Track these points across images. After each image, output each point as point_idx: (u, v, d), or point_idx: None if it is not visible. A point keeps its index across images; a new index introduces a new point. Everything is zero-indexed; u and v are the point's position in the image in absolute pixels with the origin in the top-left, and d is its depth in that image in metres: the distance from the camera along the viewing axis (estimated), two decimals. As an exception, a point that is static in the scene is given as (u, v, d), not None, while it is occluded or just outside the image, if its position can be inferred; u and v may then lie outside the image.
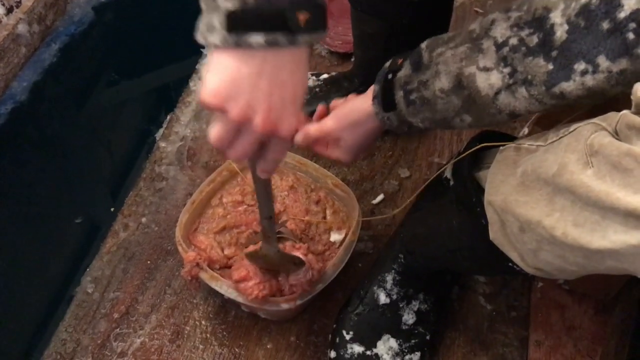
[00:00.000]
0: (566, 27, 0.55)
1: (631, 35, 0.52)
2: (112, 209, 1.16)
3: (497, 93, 0.61)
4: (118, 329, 0.99)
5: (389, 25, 0.96)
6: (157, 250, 1.08)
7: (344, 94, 1.12)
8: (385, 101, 0.73)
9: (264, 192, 0.73)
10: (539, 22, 0.57)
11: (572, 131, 0.58)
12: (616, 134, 0.53)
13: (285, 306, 0.89)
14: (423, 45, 0.70)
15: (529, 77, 0.58)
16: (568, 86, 0.56)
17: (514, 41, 0.59)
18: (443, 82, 0.65)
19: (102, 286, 1.04)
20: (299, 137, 0.82)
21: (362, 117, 0.79)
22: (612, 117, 0.54)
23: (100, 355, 0.97)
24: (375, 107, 0.75)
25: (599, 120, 0.55)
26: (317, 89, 1.16)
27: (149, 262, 1.07)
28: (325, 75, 1.19)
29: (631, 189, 0.49)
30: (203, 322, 1.00)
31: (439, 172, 0.89)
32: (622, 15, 0.52)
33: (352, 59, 1.16)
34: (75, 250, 1.18)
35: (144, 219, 1.12)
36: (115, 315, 1.01)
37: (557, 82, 0.57)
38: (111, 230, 1.11)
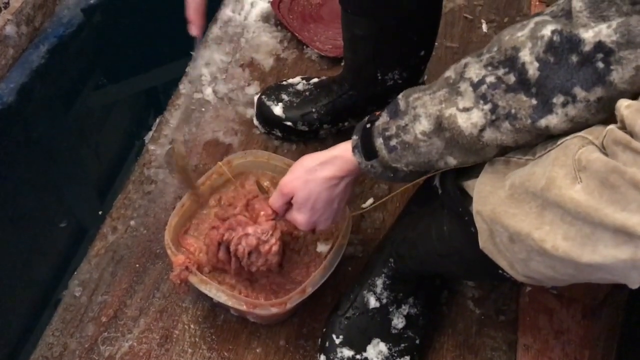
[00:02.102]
0: (536, 64, 0.57)
1: (601, 65, 0.53)
2: (100, 212, 1.15)
3: (482, 130, 0.62)
4: (106, 333, 0.99)
5: (379, 28, 0.97)
6: (146, 253, 1.08)
7: (333, 98, 1.13)
8: (366, 149, 0.74)
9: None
10: (511, 62, 0.59)
11: (559, 144, 0.59)
12: (603, 148, 0.54)
13: (274, 310, 0.89)
14: (399, 95, 0.72)
15: (513, 111, 0.60)
16: (553, 119, 0.58)
17: (491, 79, 0.61)
18: (424, 125, 0.67)
19: (90, 289, 1.03)
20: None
21: (316, 164, 0.79)
22: (599, 131, 0.55)
23: (88, 359, 0.96)
24: (357, 156, 0.76)
25: (585, 133, 0.56)
26: (307, 93, 1.16)
27: (137, 265, 1.06)
28: (315, 80, 1.19)
29: (619, 206, 0.50)
30: (192, 326, 1.00)
31: (428, 176, 0.89)
32: (587, 48, 0.54)
33: (342, 64, 1.16)
34: (62, 254, 1.17)
35: (132, 222, 1.11)
36: (103, 319, 1.00)
37: (543, 116, 0.58)
38: (99, 233, 1.10)
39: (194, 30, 0.79)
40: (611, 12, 0.53)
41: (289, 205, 0.85)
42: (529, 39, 0.58)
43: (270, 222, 0.88)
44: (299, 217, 0.83)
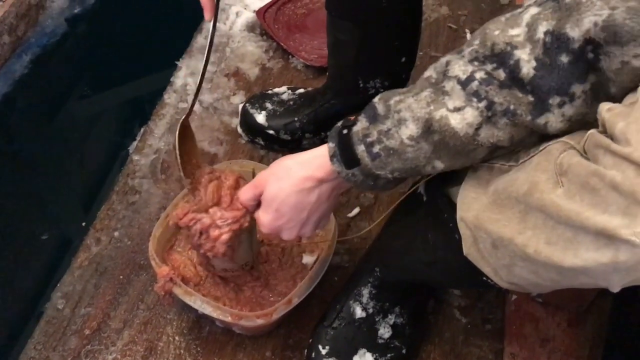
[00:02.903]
0: (534, 63, 0.56)
1: (591, 55, 0.53)
2: (83, 224, 1.14)
3: (478, 128, 0.60)
4: (89, 346, 0.97)
5: (361, 32, 0.98)
6: (130, 264, 1.06)
7: (316, 107, 1.13)
8: (346, 157, 0.69)
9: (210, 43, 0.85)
10: (501, 58, 0.58)
11: (541, 150, 0.59)
12: (584, 153, 0.54)
13: (260, 321, 0.88)
14: (375, 99, 0.68)
15: (512, 107, 0.58)
16: (550, 117, 0.57)
17: (481, 75, 0.59)
18: (411, 129, 0.63)
19: (73, 302, 1.02)
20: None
21: (294, 163, 0.74)
22: (580, 136, 0.55)
23: (71, 373, 0.95)
24: (337, 165, 0.69)
25: (567, 138, 0.57)
26: (291, 102, 1.16)
27: (121, 277, 1.05)
28: (301, 90, 1.20)
29: (600, 209, 0.50)
30: (177, 338, 0.99)
31: (415, 186, 0.89)
32: (576, 45, 0.53)
33: (327, 73, 1.16)
34: (45, 266, 1.15)
35: (116, 233, 1.10)
36: (87, 332, 0.99)
37: (542, 113, 0.57)
38: (83, 244, 1.09)
39: (207, 15, 0.83)
40: None
41: (259, 202, 0.80)
42: (528, 42, 0.56)
43: (235, 211, 0.83)
44: (263, 217, 0.77)
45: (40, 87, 1.39)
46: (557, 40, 0.54)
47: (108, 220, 1.12)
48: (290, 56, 1.35)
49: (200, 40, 1.39)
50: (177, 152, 0.86)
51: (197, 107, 1.28)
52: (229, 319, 0.89)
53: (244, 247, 0.90)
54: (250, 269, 0.95)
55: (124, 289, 1.04)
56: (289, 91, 1.20)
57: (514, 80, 0.57)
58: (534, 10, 0.57)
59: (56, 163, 1.33)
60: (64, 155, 1.36)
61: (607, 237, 0.50)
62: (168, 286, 0.90)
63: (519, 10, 0.59)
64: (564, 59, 0.54)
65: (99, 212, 1.13)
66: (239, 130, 1.22)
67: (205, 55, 0.86)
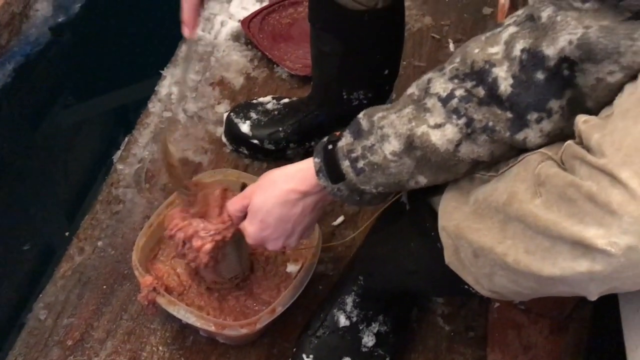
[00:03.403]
0: (511, 81, 0.57)
1: (566, 72, 0.54)
2: (67, 233, 1.13)
3: (458, 145, 0.61)
4: (72, 357, 0.97)
5: (344, 45, 0.99)
6: (114, 274, 1.06)
7: (300, 117, 1.14)
8: (331, 172, 0.70)
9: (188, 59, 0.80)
10: (480, 75, 0.59)
11: (520, 160, 0.60)
12: (562, 163, 0.55)
13: (244, 331, 0.88)
14: (360, 114, 0.69)
15: (490, 124, 0.59)
16: (529, 132, 0.58)
17: (461, 92, 0.60)
18: (394, 145, 0.64)
19: (55, 312, 1.01)
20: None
21: (281, 175, 0.76)
22: (558, 147, 0.56)
23: (53, 384, 0.94)
24: (322, 180, 0.71)
25: (545, 149, 0.58)
26: (275, 112, 1.17)
27: (104, 286, 1.05)
28: (285, 100, 1.20)
29: (576, 219, 0.51)
30: (160, 348, 0.98)
31: (398, 194, 0.90)
32: (552, 63, 0.54)
33: (312, 84, 1.17)
34: (27, 276, 1.15)
35: (100, 243, 1.10)
36: (69, 342, 0.98)
37: (521, 129, 0.58)
38: (66, 254, 1.08)
39: (186, 31, 0.76)
40: (563, 4, 0.54)
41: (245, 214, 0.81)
42: (505, 59, 0.58)
43: (219, 224, 0.84)
44: (248, 228, 0.79)
45: (24, 96, 1.38)
46: (533, 58, 0.56)
47: (92, 230, 1.11)
48: (275, 65, 1.36)
49: (185, 49, 1.39)
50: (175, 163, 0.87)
51: (181, 115, 1.28)
52: (212, 328, 0.89)
53: (231, 260, 0.91)
54: (239, 282, 0.96)
55: (108, 299, 1.03)
56: (274, 101, 1.20)
57: (493, 97, 0.58)
58: (512, 29, 0.59)
59: (39, 172, 1.32)
60: (47, 165, 1.35)
61: (583, 246, 0.51)
62: (151, 296, 0.90)
63: (499, 29, 0.60)
64: (540, 76, 0.56)
65: (83, 222, 1.13)
66: (224, 139, 1.22)
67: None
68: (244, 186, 0.88)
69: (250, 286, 0.97)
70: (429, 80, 0.63)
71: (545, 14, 0.55)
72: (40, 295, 1.04)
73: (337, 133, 0.72)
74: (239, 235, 0.86)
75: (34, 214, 1.27)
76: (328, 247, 1.08)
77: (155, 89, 1.32)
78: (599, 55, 0.52)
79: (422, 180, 0.66)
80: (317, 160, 0.72)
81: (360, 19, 0.95)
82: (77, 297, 1.03)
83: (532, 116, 0.57)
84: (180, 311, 0.89)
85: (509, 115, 0.58)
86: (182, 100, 0.82)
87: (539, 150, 0.58)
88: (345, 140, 0.69)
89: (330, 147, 0.71)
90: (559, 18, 0.54)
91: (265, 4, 1.47)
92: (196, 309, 0.93)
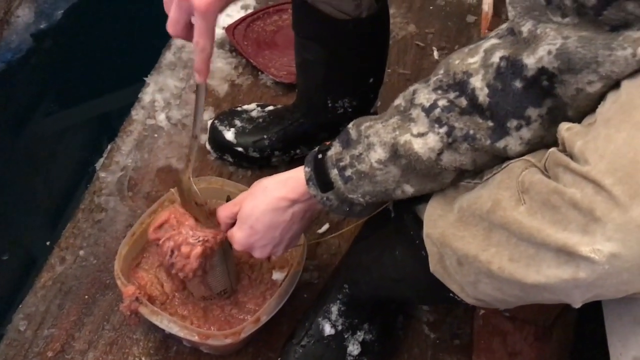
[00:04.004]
0: (486, 90, 0.58)
1: (546, 83, 0.55)
2: (47, 243, 1.12)
3: (440, 153, 0.62)
4: (52, 369, 0.95)
5: (328, 53, 0.99)
6: (96, 284, 1.05)
7: (285, 125, 1.14)
8: (321, 181, 0.72)
9: (199, 105, 0.78)
10: (461, 86, 0.60)
11: (504, 167, 0.60)
12: (545, 171, 0.55)
13: (228, 340, 0.88)
14: (350, 124, 0.71)
15: (471, 132, 0.60)
16: (510, 140, 0.59)
17: (443, 102, 0.61)
18: (379, 153, 0.66)
19: (35, 323, 1.00)
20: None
21: (272, 183, 0.77)
22: (541, 154, 0.57)
23: (32, 397, 0.92)
24: (312, 189, 0.72)
25: (529, 157, 0.58)
26: (260, 120, 1.16)
27: (86, 296, 1.03)
28: (270, 107, 1.20)
29: (560, 226, 0.51)
30: (143, 359, 0.97)
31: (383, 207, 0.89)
32: (530, 73, 0.55)
33: (296, 91, 1.17)
34: (7, 286, 1.13)
35: (81, 252, 1.08)
36: (50, 354, 0.96)
37: (502, 137, 0.59)
38: (47, 263, 1.07)
39: (199, 78, 0.77)
40: (542, 19, 0.55)
41: (234, 221, 0.82)
42: (481, 67, 0.58)
43: (207, 231, 0.84)
44: (237, 234, 0.80)
45: (5, 103, 1.37)
46: (512, 66, 0.56)
47: (73, 239, 1.10)
48: (259, 73, 1.35)
49: (169, 56, 1.38)
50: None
51: (165, 123, 1.27)
52: (196, 338, 0.88)
53: (219, 272, 0.90)
54: (228, 297, 0.95)
55: (89, 309, 1.02)
56: (258, 108, 1.20)
57: (474, 106, 0.59)
58: (494, 40, 0.60)
59: (21, 181, 1.31)
60: (28, 173, 1.34)
61: (567, 254, 0.51)
62: (134, 306, 0.89)
63: (482, 41, 0.61)
64: (518, 84, 0.56)
65: (64, 231, 1.11)
66: (208, 146, 1.21)
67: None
68: (228, 198, 0.88)
69: (235, 295, 0.97)
70: (414, 91, 0.65)
71: (526, 28, 0.56)
72: (20, 306, 1.02)
73: (328, 142, 0.73)
74: (227, 245, 0.86)
75: (14, 222, 1.25)
76: (313, 255, 1.08)
77: (139, 96, 1.31)
78: (577, 65, 0.52)
79: (409, 190, 0.67)
80: (307, 169, 0.73)
81: (345, 28, 0.95)
82: (57, 307, 1.02)
83: (512, 123, 0.58)
84: (163, 321, 0.88)
85: (490, 123, 0.59)
86: (195, 146, 0.84)
87: (523, 157, 0.59)
88: (335, 149, 0.71)
89: (320, 156, 0.72)
90: (538, 31, 0.54)
91: (250, 11, 1.47)
92: (180, 318, 0.92)
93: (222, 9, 0.69)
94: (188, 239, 0.84)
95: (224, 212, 0.82)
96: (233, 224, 0.82)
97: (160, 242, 0.86)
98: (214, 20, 0.69)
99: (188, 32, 0.71)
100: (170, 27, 0.71)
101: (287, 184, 0.76)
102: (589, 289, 0.53)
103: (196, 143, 0.81)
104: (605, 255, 0.49)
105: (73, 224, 1.12)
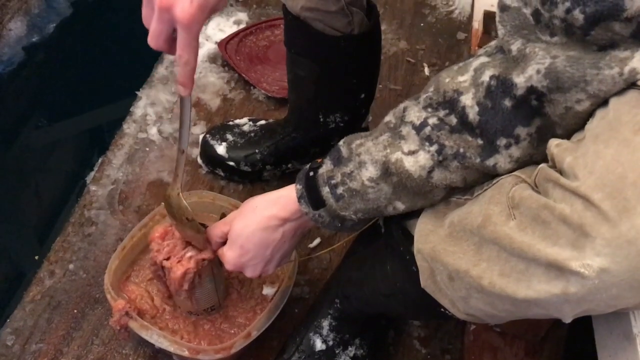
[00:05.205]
0: (477, 109, 0.59)
1: (535, 102, 0.56)
2: (36, 257, 1.11)
3: (430, 171, 0.63)
4: (40, 384, 0.94)
5: (320, 68, 0.99)
6: (85, 298, 1.04)
7: (277, 139, 1.14)
8: (312, 198, 0.72)
9: (185, 118, 0.75)
10: (451, 104, 0.60)
11: (495, 183, 0.61)
12: (535, 186, 0.56)
13: (218, 356, 0.87)
14: (340, 142, 0.71)
15: (461, 150, 0.61)
16: (500, 158, 0.59)
17: (433, 120, 0.62)
18: (370, 171, 0.66)
19: (23, 338, 0.99)
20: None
21: (263, 202, 0.77)
22: (531, 170, 0.57)
23: (19, 413, 0.91)
24: (304, 206, 0.73)
25: (519, 172, 0.59)
26: (252, 134, 1.16)
27: (75, 311, 1.02)
28: (262, 122, 1.20)
29: (550, 241, 0.52)
30: (132, 374, 0.96)
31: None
32: (520, 92, 0.56)
33: (288, 106, 1.17)
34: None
35: (71, 266, 1.07)
36: (37, 369, 0.95)
37: (491, 155, 0.60)
38: (36, 277, 1.06)
39: (183, 91, 0.74)
40: (531, 38, 0.56)
41: (225, 240, 0.82)
42: (472, 86, 0.59)
43: (198, 250, 0.85)
44: (228, 253, 0.80)
45: (-4, 115, 1.36)
46: (502, 85, 0.57)
47: (63, 253, 1.09)
48: (251, 87, 1.36)
49: (161, 70, 1.39)
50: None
51: (156, 137, 1.27)
52: (186, 353, 0.87)
53: (207, 291, 0.90)
54: (215, 313, 0.95)
55: (78, 323, 1.01)
56: (250, 122, 1.20)
57: (464, 124, 0.60)
58: (483, 59, 0.61)
59: (11, 194, 1.30)
60: (18, 186, 1.33)
61: (557, 269, 0.51)
62: (124, 320, 0.88)
63: (471, 59, 0.62)
64: (507, 103, 0.57)
65: (54, 244, 1.10)
66: (199, 161, 1.21)
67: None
68: (222, 215, 0.88)
69: (225, 309, 0.96)
70: (405, 109, 0.65)
71: (515, 47, 0.56)
72: (8, 320, 1.01)
73: (319, 160, 0.73)
74: (217, 262, 0.86)
75: (2, 235, 1.24)
76: (304, 270, 1.08)
77: (130, 109, 1.31)
78: (566, 84, 0.53)
79: (400, 206, 0.68)
80: (298, 186, 0.73)
81: (337, 44, 0.96)
82: (46, 321, 1.01)
83: (501, 142, 0.59)
84: (153, 336, 0.87)
85: (480, 142, 0.60)
86: (183, 161, 0.81)
87: (513, 173, 0.59)
88: (326, 167, 0.71)
89: (311, 173, 0.72)
90: (527, 50, 0.55)
91: (242, 26, 1.48)
92: (170, 333, 0.91)
93: (205, 20, 0.67)
94: (181, 254, 0.85)
95: (215, 231, 0.82)
96: (224, 243, 0.82)
97: (155, 250, 0.86)
98: (197, 32, 0.66)
99: (170, 45, 0.68)
100: (152, 40, 0.67)
101: (278, 203, 0.76)
102: (579, 303, 0.53)
103: (183, 157, 0.80)
104: (595, 270, 0.49)
105: (63, 238, 1.11)
